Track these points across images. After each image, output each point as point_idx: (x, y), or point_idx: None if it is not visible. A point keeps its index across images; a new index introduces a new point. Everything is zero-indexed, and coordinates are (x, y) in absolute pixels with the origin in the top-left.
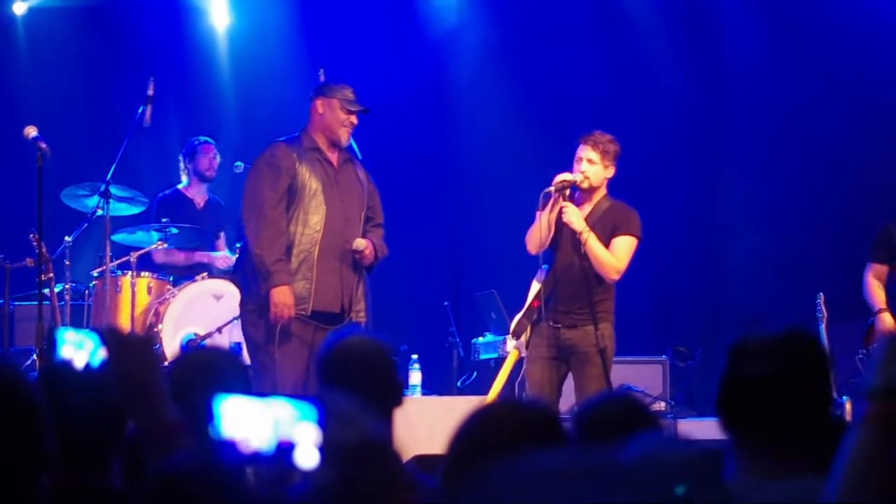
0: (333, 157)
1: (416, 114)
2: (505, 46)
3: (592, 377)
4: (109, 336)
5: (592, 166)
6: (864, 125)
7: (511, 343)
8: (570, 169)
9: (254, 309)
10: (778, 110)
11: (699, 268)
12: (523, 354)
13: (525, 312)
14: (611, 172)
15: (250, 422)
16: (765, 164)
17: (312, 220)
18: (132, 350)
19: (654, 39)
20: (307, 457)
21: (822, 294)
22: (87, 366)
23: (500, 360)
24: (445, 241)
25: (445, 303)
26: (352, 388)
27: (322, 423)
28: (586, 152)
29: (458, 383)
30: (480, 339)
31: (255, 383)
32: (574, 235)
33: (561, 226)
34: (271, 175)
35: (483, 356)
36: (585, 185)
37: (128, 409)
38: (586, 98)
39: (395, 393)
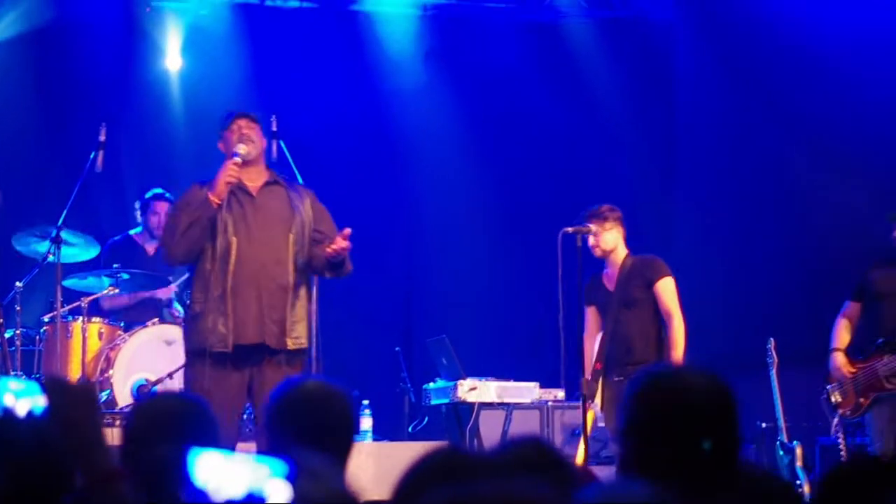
0: (253, 184)
1: (369, 159)
2: (458, 96)
3: None
4: (50, 384)
5: (597, 237)
6: (815, 170)
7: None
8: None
9: (187, 353)
10: (730, 155)
11: None
12: (598, 414)
13: (592, 375)
14: (616, 233)
15: (222, 476)
16: (716, 208)
17: (223, 254)
18: (73, 398)
19: (605, 84)
20: None
21: (772, 339)
22: (30, 414)
23: (450, 406)
24: (397, 287)
25: (397, 348)
26: (306, 434)
27: (292, 479)
28: (590, 228)
29: (410, 429)
30: (432, 384)
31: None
32: (618, 301)
33: (602, 297)
34: (180, 213)
35: (434, 402)
36: (598, 252)
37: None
38: (536, 145)
39: (349, 439)
